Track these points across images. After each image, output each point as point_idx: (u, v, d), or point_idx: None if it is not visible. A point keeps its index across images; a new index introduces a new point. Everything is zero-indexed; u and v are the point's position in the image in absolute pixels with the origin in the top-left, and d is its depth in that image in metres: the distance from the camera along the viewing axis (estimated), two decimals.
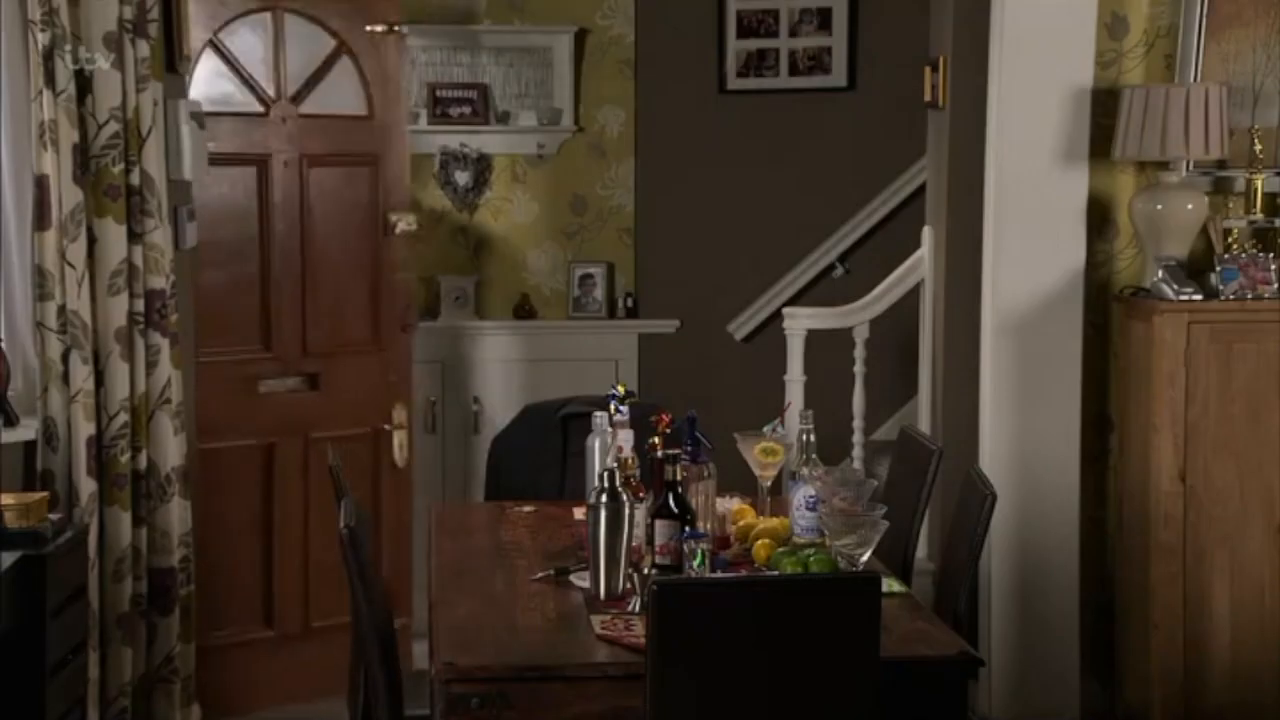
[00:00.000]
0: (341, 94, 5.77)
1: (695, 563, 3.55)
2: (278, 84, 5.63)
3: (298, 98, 5.67)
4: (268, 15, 5.59)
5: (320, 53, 5.71)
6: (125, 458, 4.82)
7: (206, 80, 5.49)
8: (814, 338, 6.39)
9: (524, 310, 7.64)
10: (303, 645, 5.67)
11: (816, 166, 7.68)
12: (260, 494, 5.62)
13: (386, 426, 5.78)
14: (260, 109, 5.60)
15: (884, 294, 6.52)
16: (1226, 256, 5.13)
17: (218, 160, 5.39)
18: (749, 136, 7.70)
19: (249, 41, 5.58)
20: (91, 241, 4.75)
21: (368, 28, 5.76)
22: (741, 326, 7.78)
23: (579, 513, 4.29)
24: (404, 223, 5.81)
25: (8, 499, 4.25)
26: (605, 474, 3.73)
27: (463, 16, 7.49)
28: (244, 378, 5.59)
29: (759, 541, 3.97)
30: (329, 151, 5.73)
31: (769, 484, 4.29)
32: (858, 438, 6.50)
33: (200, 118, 5.17)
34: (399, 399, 5.83)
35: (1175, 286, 5.06)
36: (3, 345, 4.63)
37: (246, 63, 5.57)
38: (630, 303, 7.70)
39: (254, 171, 5.57)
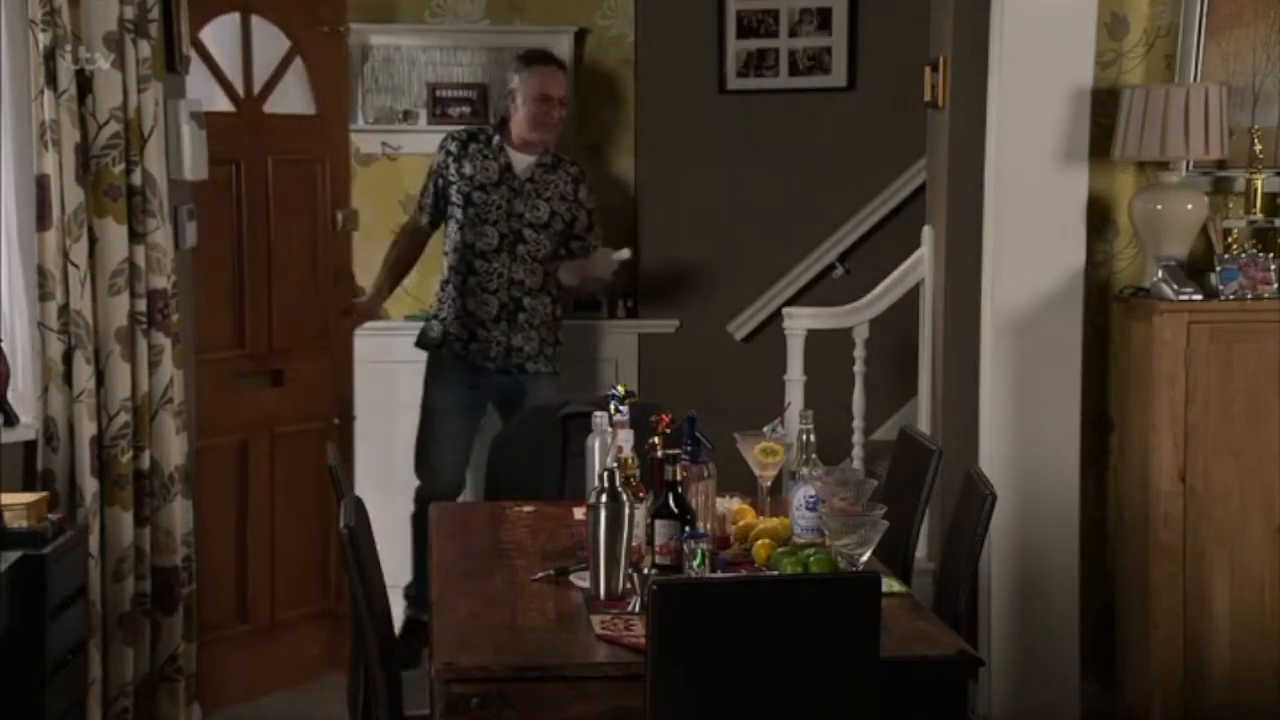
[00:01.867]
0: (295, 95, 5.87)
1: (695, 563, 3.54)
2: (246, 84, 5.70)
3: (261, 97, 5.74)
4: (236, 16, 5.65)
5: (278, 54, 5.80)
6: (126, 457, 4.82)
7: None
8: (814, 338, 6.38)
9: None
10: (272, 638, 5.73)
11: (816, 166, 7.67)
12: (236, 491, 5.66)
13: (336, 421, 5.90)
14: (232, 109, 5.66)
15: (884, 294, 6.51)
16: (1226, 256, 5.13)
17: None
18: (749, 136, 7.69)
19: (221, 42, 5.63)
20: (92, 241, 4.75)
21: (317, 28, 5.85)
22: (741, 326, 7.78)
23: (579, 513, 4.29)
24: (346, 220, 5.99)
25: (8, 499, 4.25)
26: (605, 474, 3.73)
27: (463, 16, 7.49)
28: (226, 375, 5.62)
29: (759, 541, 3.97)
30: (286, 151, 5.81)
31: (769, 484, 4.29)
32: (858, 438, 6.50)
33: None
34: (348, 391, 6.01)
35: (1175, 286, 5.06)
36: (3, 345, 4.63)
37: (221, 63, 5.63)
38: (630, 303, 7.70)
39: (230, 171, 5.61)
